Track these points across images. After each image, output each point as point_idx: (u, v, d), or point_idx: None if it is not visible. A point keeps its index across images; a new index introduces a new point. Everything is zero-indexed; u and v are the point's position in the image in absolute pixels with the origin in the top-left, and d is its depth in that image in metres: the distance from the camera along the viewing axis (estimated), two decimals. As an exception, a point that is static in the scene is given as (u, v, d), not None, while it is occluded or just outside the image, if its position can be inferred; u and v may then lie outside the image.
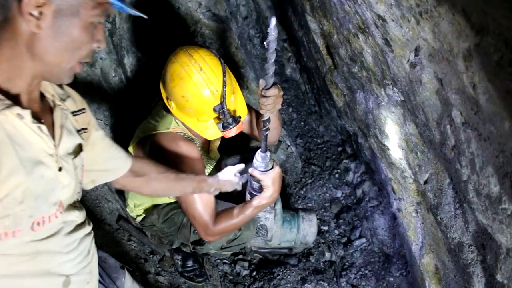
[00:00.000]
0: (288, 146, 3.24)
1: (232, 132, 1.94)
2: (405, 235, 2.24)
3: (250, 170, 1.97)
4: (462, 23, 1.01)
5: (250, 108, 2.23)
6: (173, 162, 1.93)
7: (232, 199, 2.23)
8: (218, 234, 2.03)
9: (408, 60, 1.45)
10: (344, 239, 2.91)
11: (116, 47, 2.69)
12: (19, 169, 1.00)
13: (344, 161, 3.37)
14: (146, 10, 2.73)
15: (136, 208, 2.36)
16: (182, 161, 1.95)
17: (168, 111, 2.08)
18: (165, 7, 2.78)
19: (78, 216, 1.25)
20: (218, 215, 2.03)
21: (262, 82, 1.73)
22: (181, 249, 2.45)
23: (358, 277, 2.67)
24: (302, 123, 3.81)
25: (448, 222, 1.65)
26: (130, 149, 2.16)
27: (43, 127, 1.07)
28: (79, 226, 1.25)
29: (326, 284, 2.62)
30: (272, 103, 1.76)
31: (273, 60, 1.56)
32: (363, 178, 3.12)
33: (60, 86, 1.25)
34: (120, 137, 2.44)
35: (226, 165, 2.47)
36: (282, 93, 1.84)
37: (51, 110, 1.17)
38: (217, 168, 2.46)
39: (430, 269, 2.00)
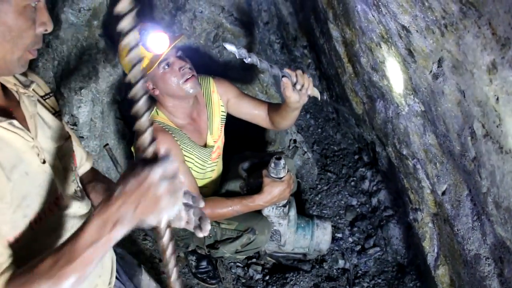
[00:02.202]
0: (305, 152, 3.25)
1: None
2: (420, 245, 2.23)
3: (263, 171, 2.09)
4: (487, 36, 1.02)
5: (262, 102, 2.30)
6: None
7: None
8: None
9: (430, 71, 1.46)
10: (358, 247, 2.90)
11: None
12: (0, 175, 0.93)
13: (361, 169, 3.37)
14: (169, 12, 2.78)
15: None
16: None
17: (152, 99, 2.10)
18: (189, 9, 2.82)
19: (81, 206, 1.17)
20: (206, 201, 2.04)
21: (285, 79, 1.84)
22: (195, 250, 2.47)
23: (371, 286, 2.66)
24: (319, 130, 3.82)
25: (465, 234, 1.64)
26: None
27: (15, 122, 0.98)
28: (83, 218, 1.17)
29: (338, 291, 2.62)
30: (307, 81, 1.94)
31: (266, 66, 1.75)
32: (379, 186, 3.11)
33: (22, 73, 1.13)
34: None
35: (242, 169, 2.50)
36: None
37: (18, 102, 1.07)
38: (231, 170, 2.48)
39: (445, 281, 1.99)
